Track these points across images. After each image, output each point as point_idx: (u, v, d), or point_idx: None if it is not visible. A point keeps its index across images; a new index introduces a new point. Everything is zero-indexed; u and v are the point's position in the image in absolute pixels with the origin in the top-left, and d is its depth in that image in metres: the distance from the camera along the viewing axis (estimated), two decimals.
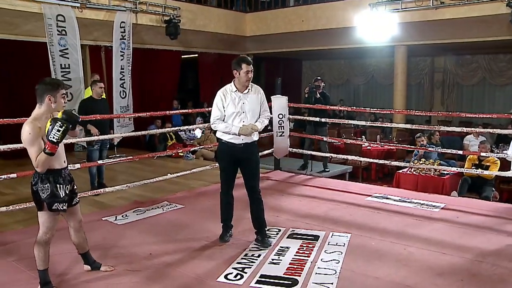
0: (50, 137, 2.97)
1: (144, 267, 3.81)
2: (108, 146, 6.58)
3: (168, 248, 4.23)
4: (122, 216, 5.18)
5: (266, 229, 4.39)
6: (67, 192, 3.30)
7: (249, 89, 4.22)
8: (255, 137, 4.31)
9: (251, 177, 4.33)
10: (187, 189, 6.52)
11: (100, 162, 6.07)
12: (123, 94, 9.53)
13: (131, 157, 6.22)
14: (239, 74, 4.13)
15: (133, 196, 6.15)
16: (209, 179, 6.90)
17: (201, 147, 8.78)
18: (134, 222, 4.99)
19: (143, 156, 6.66)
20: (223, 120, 4.19)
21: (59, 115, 3.07)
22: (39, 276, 3.32)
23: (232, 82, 4.23)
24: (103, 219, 5.08)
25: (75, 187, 3.47)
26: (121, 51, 9.61)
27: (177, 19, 10.60)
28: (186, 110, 10.45)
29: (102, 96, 6.43)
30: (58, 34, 8.44)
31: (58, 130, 2.98)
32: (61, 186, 3.23)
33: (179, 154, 9.25)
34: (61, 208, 3.25)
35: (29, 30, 8.43)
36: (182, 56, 12.97)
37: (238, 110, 4.15)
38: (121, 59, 9.64)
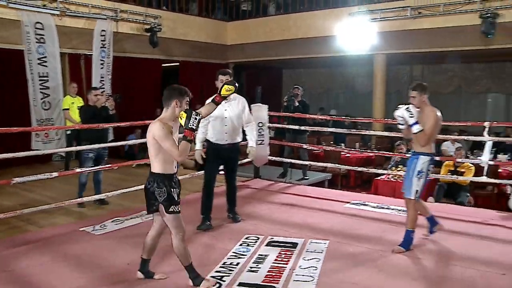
0: (190, 125, 3.26)
1: (123, 277, 3.78)
2: (106, 157, 6.37)
3: None
4: (100, 226, 5.11)
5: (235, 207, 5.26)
6: (179, 195, 3.50)
7: (230, 97, 4.57)
8: (239, 139, 5.13)
9: (231, 171, 5.19)
10: None
11: (78, 170, 5.95)
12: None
13: (110, 165, 6.16)
14: (219, 83, 4.74)
15: (111, 205, 6.11)
16: (188, 187, 6.86)
17: None
18: (113, 232, 4.94)
19: (122, 164, 6.61)
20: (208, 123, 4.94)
21: (182, 114, 3.28)
22: (188, 271, 3.52)
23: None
24: (80, 229, 5.00)
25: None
26: (101, 60, 9.58)
27: (158, 27, 10.61)
28: None
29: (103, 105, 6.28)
30: (36, 42, 8.39)
31: (195, 119, 3.27)
32: (175, 190, 3.45)
33: None
34: (177, 210, 3.44)
35: (5, 37, 8.31)
36: (163, 65, 12.95)
37: (219, 115, 4.85)
38: (101, 68, 9.61)
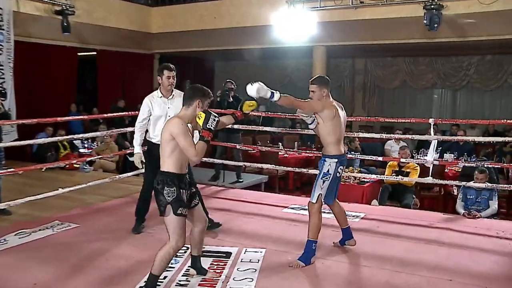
0: (208, 125, 3.39)
1: None
2: (3, 160, 5.96)
3: (59, 276, 4.02)
4: (0, 241, 4.82)
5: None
6: (188, 197, 3.59)
7: (173, 94, 4.98)
8: None
9: None
10: (83, 206, 6.26)
11: None
12: (2, 96, 8.99)
13: (13, 169, 5.85)
14: (162, 79, 4.92)
15: (15, 216, 5.77)
16: (108, 193, 6.70)
17: (100, 156, 8.51)
18: (16, 247, 4.66)
19: (29, 168, 6.31)
20: (148, 122, 4.99)
21: (201, 114, 3.41)
22: (149, 279, 3.52)
23: (159, 88, 5.01)
24: None
25: (193, 190, 3.73)
26: None
27: (70, 10, 10.24)
28: (84, 116, 10.10)
29: None
30: None
31: (214, 120, 3.41)
32: (184, 191, 3.53)
33: (74, 165, 8.89)
34: (184, 213, 3.51)
35: None
36: (79, 54, 12.54)
37: (162, 114, 4.89)
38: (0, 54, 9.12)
